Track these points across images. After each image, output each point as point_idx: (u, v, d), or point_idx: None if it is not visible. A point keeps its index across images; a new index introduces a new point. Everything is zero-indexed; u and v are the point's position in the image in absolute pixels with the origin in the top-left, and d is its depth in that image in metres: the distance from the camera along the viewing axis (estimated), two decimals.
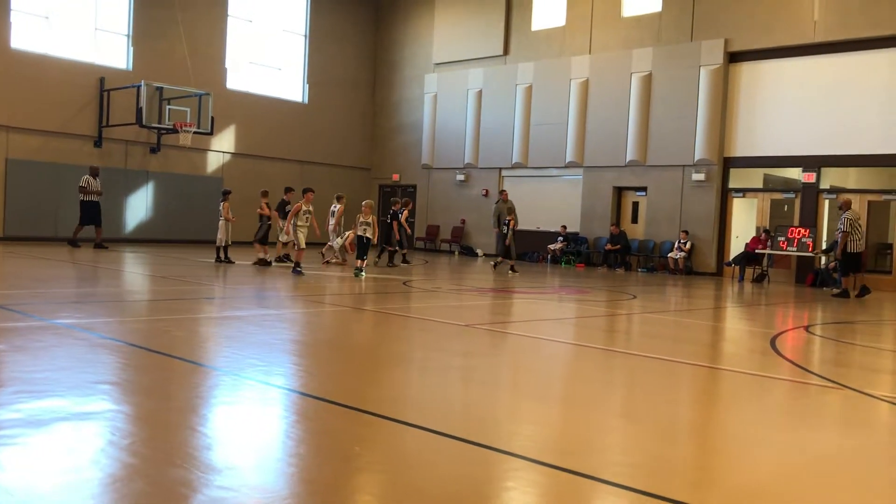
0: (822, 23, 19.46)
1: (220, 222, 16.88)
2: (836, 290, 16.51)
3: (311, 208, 15.31)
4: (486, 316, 10.40)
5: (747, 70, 21.06)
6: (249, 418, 4.66)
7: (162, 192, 24.13)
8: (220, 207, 17.12)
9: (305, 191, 15.64)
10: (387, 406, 5.03)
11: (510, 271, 18.01)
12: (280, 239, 17.65)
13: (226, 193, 17.31)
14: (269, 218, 17.10)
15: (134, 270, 15.26)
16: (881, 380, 7.14)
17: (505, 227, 18.54)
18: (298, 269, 14.76)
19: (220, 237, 16.91)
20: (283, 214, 17.09)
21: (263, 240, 17.12)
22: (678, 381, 6.53)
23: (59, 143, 22.18)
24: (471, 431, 4.44)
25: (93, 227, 19.76)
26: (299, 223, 15.14)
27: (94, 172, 20.03)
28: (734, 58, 21.18)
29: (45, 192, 21.71)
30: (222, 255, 16.97)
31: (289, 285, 12.85)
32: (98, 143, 22.81)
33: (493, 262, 19.59)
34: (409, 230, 20.80)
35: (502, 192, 20.51)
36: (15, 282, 12.11)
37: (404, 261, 19.28)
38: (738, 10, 20.82)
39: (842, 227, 15.90)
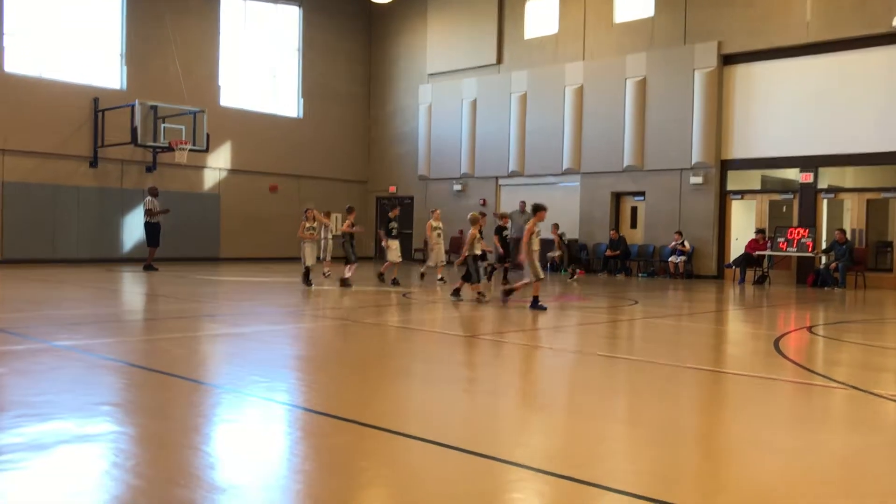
0: (815, 23, 19.52)
1: (306, 244, 15.49)
2: None
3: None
4: (488, 326, 10.37)
5: (741, 72, 21.10)
6: (253, 436, 4.62)
7: None
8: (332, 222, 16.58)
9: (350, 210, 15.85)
10: (391, 419, 5.00)
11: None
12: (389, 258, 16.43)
13: (351, 209, 16.16)
14: (352, 236, 15.79)
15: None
16: (886, 379, 7.11)
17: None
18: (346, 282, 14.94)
19: (310, 256, 15.50)
20: (388, 232, 16.53)
21: (348, 258, 15.72)
22: (683, 386, 6.50)
23: (55, 165, 22.17)
24: (476, 443, 4.40)
25: (151, 247, 19.71)
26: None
27: (154, 192, 19.99)
28: (728, 60, 21.22)
29: (42, 213, 21.70)
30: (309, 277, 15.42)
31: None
32: (94, 163, 22.81)
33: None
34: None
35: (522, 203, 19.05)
36: (14, 305, 12.07)
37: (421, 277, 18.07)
38: (731, 12, 20.88)
39: None
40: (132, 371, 6.42)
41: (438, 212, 17.95)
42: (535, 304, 11.36)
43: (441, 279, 16.89)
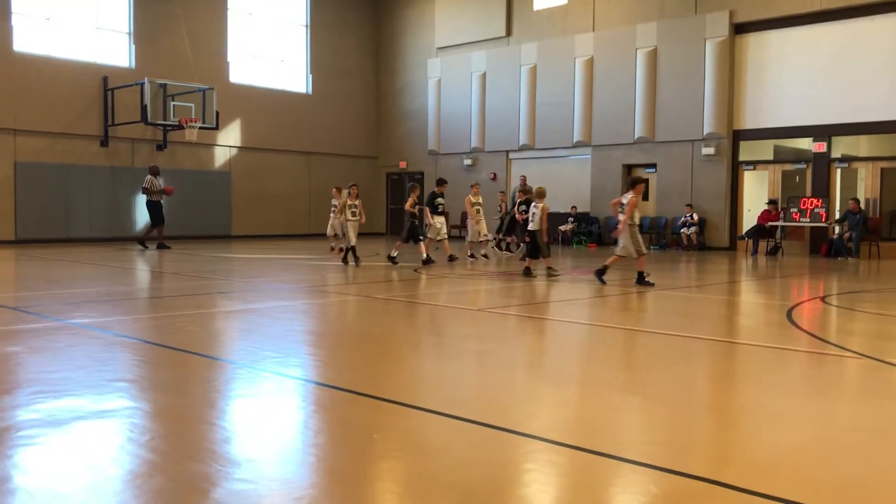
0: None
1: (350, 222, 14.87)
2: None
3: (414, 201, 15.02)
4: (498, 300, 10.38)
5: (753, 41, 20.85)
6: (267, 410, 4.65)
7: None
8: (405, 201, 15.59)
9: (351, 186, 15.12)
10: (404, 393, 5.02)
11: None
12: (429, 235, 15.61)
13: (413, 187, 15.72)
14: (413, 215, 15.25)
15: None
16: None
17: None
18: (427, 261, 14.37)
19: (352, 235, 14.87)
20: (433, 208, 15.65)
21: (416, 237, 15.10)
22: (695, 357, 6.49)
23: (66, 144, 22.23)
24: (488, 415, 4.42)
25: (157, 226, 19.85)
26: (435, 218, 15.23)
27: (155, 171, 20.05)
28: (739, 29, 20.97)
29: (54, 193, 21.80)
30: (351, 257, 14.86)
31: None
32: (104, 142, 22.85)
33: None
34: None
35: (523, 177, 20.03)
36: (29, 283, 12.17)
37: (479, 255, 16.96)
38: None
39: None
40: (147, 348, 6.47)
41: (478, 187, 17.71)
42: (642, 280, 11.15)
43: (484, 255, 16.80)
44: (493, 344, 6.93)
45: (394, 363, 6.13)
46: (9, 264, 15.30)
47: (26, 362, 5.87)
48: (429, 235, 15.45)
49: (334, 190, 18.12)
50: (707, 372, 6.03)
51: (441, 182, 16.08)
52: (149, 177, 19.88)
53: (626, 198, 11.28)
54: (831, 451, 3.89)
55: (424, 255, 14.57)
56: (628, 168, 23.31)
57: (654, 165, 22.73)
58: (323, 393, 5.06)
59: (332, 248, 18.20)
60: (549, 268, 12.61)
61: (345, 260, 14.90)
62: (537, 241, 12.60)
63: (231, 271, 14.44)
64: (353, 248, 14.72)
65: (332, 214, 18.00)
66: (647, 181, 11.69)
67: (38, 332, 7.12)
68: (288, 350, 6.62)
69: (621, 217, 11.28)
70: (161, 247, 19.36)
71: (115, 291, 10.84)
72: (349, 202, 14.88)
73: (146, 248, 19.36)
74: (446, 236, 15.90)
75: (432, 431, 4.20)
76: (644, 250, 11.39)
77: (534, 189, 13.48)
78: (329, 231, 18.50)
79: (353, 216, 14.80)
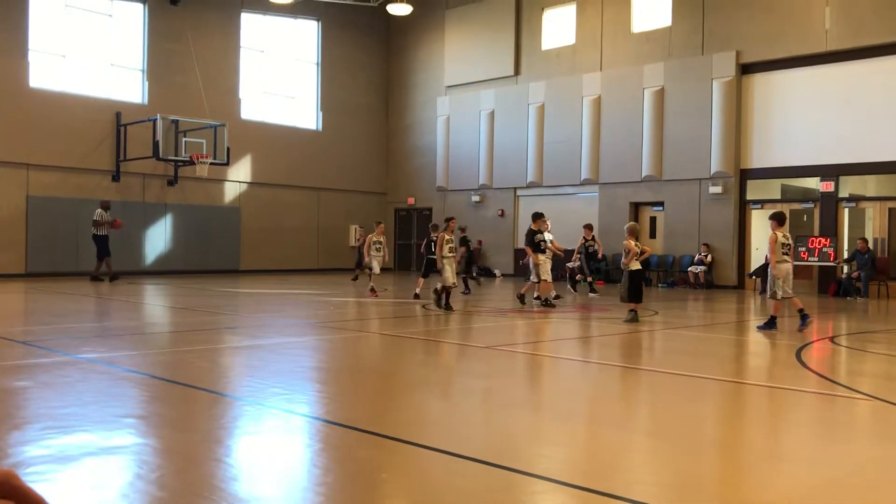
0: (834, 31, 19.40)
1: (375, 257, 15.46)
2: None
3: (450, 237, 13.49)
4: (507, 337, 10.37)
5: (760, 81, 21.01)
6: (275, 448, 4.66)
7: (180, 224, 24.33)
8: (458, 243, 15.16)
9: (448, 220, 14.18)
10: (412, 431, 5.02)
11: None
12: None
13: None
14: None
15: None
16: None
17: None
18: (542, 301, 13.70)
19: (376, 268, 15.47)
20: (535, 247, 14.04)
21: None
22: (704, 396, 6.47)
23: (78, 179, 22.44)
24: (496, 454, 4.41)
25: (104, 259, 19.96)
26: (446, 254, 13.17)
27: (106, 206, 20.31)
28: (746, 69, 21.15)
29: (65, 227, 21.94)
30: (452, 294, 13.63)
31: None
32: (116, 177, 23.06)
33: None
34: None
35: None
36: (38, 318, 12.23)
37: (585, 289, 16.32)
38: (749, 21, 20.81)
39: None
40: (155, 383, 6.49)
41: (548, 222, 15.43)
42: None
43: (556, 296, 15.08)
44: (502, 381, 6.92)
45: (402, 399, 6.13)
46: (19, 297, 15.39)
47: (36, 397, 5.89)
48: (535, 278, 13.89)
49: (380, 225, 16.48)
50: (716, 412, 6.01)
51: (538, 217, 14.35)
52: (99, 210, 20.11)
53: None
54: (841, 493, 3.87)
55: (543, 298, 13.67)
56: (636, 206, 23.36)
57: (661, 203, 22.79)
58: (331, 430, 5.06)
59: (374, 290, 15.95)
60: (632, 310, 11.56)
61: (444, 304, 12.84)
62: (636, 281, 11.62)
63: (239, 306, 14.48)
64: (448, 290, 12.96)
65: (373, 252, 15.97)
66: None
67: (47, 367, 7.15)
68: (295, 387, 6.63)
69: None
70: (110, 278, 19.63)
71: (123, 326, 10.88)
72: (374, 238, 15.63)
73: (101, 280, 19.63)
74: (548, 277, 14.06)
75: (440, 471, 4.19)
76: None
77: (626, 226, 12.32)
78: (376, 269, 16.03)
79: (377, 251, 15.59)
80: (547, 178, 24.98)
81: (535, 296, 14.12)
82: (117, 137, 22.95)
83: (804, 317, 10.63)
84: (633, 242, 11.61)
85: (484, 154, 26.57)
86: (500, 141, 26.16)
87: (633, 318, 11.40)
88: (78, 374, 6.79)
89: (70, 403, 5.62)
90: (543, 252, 14.01)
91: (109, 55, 23.26)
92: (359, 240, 22.74)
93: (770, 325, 10.73)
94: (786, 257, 10.86)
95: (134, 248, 23.38)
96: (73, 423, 4.98)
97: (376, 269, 15.67)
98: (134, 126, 22.67)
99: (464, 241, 18.21)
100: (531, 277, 14.12)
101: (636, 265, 11.63)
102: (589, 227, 18.58)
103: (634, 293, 11.55)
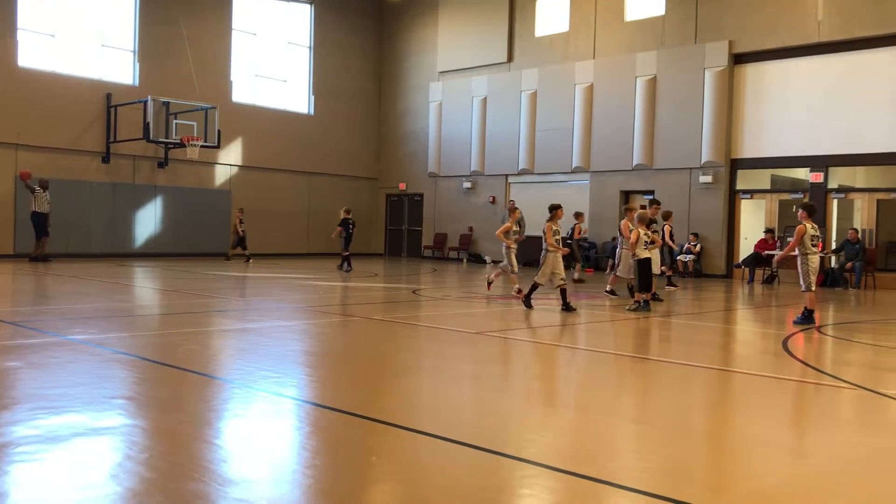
0: (827, 22, 19.43)
1: (512, 249, 13.75)
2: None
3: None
4: (497, 323, 10.41)
5: (752, 71, 21.03)
6: (264, 430, 4.68)
7: (170, 206, 24.23)
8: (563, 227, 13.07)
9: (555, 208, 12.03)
10: (401, 415, 5.04)
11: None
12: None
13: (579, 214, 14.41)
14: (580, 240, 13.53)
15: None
16: (895, 379, 7.11)
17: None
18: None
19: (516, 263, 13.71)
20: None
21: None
22: (691, 384, 6.52)
23: (68, 160, 22.30)
24: (485, 439, 4.45)
25: (42, 238, 19.83)
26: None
27: (45, 185, 19.99)
28: (739, 59, 21.16)
29: (54, 208, 21.78)
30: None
31: None
32: (106, 158, 22.93)
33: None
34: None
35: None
36: (28, 298, 12.19)
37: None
38: (742, 11, 20.81)
39: None
40: (145, 365, 6.50)
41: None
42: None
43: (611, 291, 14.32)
44: (491, 367, 6.95)
45: (391, 384, 6.15)
46: (7, 278, 15.32)
47: (25, 378, 5.89)
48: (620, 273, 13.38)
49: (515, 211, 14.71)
50: (703, 400, 6.06)
51: (653, 203, 13.75)
52: (38, 189, 19.83)
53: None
54: (826, 481, 3.92)
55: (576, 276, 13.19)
56: (626, 194, 23.41)
57: (651, 192, 22.82)
58: (320, 414, 5.08)
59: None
60: (637, 302, 11.46)
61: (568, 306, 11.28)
62: (644, 270, 11.44)
63: (229, 289, 14.47)
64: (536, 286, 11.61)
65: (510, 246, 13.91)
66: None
67: (36, 348, 7.14)
68: (285, 370, 6.65)
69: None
70: (45, 259, 19.47)
71: (113, 308, 10.86)
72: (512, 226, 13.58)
73: (47, 261, 19.47)
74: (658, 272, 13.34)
75: (429, 454, 4.22)
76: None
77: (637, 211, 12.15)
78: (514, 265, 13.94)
79: (514, 243, 13.69)
80: (538, 166, 24.99)
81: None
82: (107, 119, 22.80)
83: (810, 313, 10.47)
84: (641, 231, 11.52)
85: (476, 140, 26.54)
86: (492, 128, 26.13)
87: (642, 308, 11.30)
88: (68, 356, 6.79)
89: (60, 384, 5.63)
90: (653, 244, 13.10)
91: (100, 35, 23.07)
92: (241, 224, 22.52)
93: (808, 318, 10.38)
94: (814, 249, 10.61)
95: (124, 231, 23.30)
96: (63, 404, 4.98)
97: (515, 265, 13.57)
98: (124, 107, 22.52)
99: (345, 223, 19.31)
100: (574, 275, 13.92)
101: (646, 254, 11.54)
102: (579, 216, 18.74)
103: (644, 283, 11.47)
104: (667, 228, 15.81)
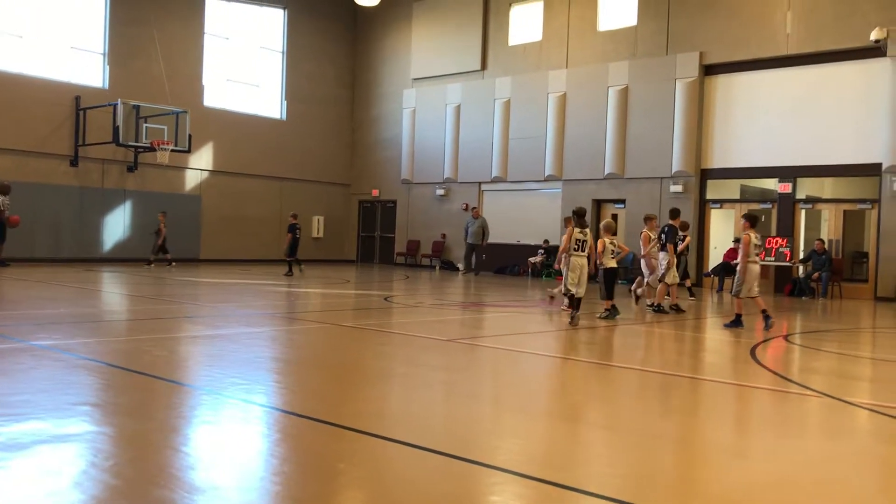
0: (795, 36, 19.74)
1: (662, 261, 13.27)
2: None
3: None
4: (468, 330, 10.41)
5: (722, 82, 21.30)
6: (232, 437, 4.63)
7: (139, 211, 23.96)
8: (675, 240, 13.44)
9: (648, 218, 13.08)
10: (370, 422, 5.02)
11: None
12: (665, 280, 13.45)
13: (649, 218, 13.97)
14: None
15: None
16: (860, 387, 7.22)
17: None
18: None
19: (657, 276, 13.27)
20: (672, 243, 13.44)
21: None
22: (660, 392, 6.56)
23: (36, 163, 21.98)
24: (455, 446, 4.44)
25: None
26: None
27: (6, 190, 19.58)
28: (709, 70, 21.42)
29: (21, 212, 21.44)
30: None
31: None
32: (74, 162, 22.64)
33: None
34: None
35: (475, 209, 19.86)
36: None
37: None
38: (713, 23, 21.08)
39: None
40: (111, 371, 6.40)
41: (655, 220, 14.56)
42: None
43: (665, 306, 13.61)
44: (461, 374, 6.94)
45: (361, 391, 6.12)
46: None
47: None
48: (668, 279, 13.35)
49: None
50: (672, 407, 6.10)
51: (676, 213, 13.98)
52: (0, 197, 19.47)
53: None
54: (793, 488, 3.96)
55: (656, 302, 13.11)
56: (598, 203, 23.56)
57: (623, 201, 23.02)
58: (288, 420, 5.04)
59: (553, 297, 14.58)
60: (607, 309, 11.63)
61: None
62: (609, 278, 11.67)
63: (199, 295, 14.33)
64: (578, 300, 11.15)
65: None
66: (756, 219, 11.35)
67: (0, 353, 7.01)
68: (254, 377, 6.59)
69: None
70: (2, 264, 18.99)
71: (79, 313, 10.70)
72: (608, 241, 12.25)
73: (5, 265, 18.97)
74: (675, 281, 13.64)
75: (397, 461, 4.20)
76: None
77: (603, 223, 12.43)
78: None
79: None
80: (511, 174, 25.07)
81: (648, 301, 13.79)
82: (76, 122, 22.51)
83: (767, 317, 10.86)
84: (608, 240, 11.83)
85: (449, 148, 26.57)
86: (465, 135, 26.18)
87: (611, 315, 11.59)
88: (31, 361, 6.67)
89: (22, 391, 5.53)
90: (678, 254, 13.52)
91: (69, 37, 22.80)
92: (160, 227, 21.98)
93: (736, 323, 11.00)
94: (756, 258, 11.09)
95: (92, 235, 23.00)
96: (26, 411, 4.89)
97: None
98: (94, 111, 22.26)
99: (292, 228, 19.72)
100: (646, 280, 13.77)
101: (612, 263, 11.80)
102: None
103: (609, 291, 11.76)
104: (687, 239, 15.57)
